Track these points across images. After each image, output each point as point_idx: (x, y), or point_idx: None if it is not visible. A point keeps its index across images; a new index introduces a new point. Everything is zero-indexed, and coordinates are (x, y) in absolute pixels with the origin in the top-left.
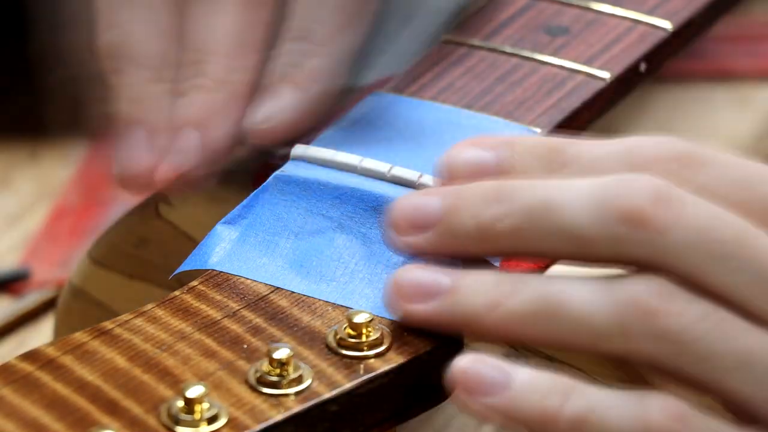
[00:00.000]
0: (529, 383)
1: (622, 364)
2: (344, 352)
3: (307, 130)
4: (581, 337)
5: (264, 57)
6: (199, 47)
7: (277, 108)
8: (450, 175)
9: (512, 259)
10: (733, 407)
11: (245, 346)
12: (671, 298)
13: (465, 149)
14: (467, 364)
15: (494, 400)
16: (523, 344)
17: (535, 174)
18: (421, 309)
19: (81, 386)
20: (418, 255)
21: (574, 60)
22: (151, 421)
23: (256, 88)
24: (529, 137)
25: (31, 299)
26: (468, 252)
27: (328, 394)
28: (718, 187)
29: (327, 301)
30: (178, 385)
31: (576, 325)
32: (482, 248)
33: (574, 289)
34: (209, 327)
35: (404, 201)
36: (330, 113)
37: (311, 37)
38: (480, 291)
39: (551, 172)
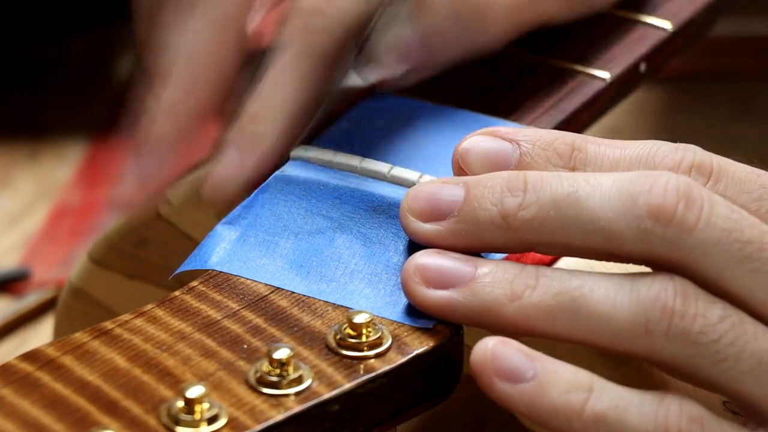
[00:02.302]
0: (554, 375)
1: (623, 365)
2: (344, 352)
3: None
4: (601, 335)
5: (227, 85)
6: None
7: (219, 171)
8: (466, 166)
9: (520, 254)
10: (746, 408)
11: (245, 346)
12: (692, 300)
13: (483, 140)
14: (494, 346)
15: (519, 387)
16: (541, 338)
17: (555, 170)
18: (438, 295)
19: (81, 386)
20: (437, 244)
21: (574, 60)
22: (151, 421)
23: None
24: (550, 132)
25: (31, 299)
26: (488, 241)
27: (328, 394)
28: (732, 197)
29: (327, 301)
30: (178, 385)
31: (597, 322)
32: (504, 238)
33: (596, 285)
34: (209, 327)
35: (423, 187)
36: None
37: (266, 100)
38: (501, 281)
39: (571, 169)
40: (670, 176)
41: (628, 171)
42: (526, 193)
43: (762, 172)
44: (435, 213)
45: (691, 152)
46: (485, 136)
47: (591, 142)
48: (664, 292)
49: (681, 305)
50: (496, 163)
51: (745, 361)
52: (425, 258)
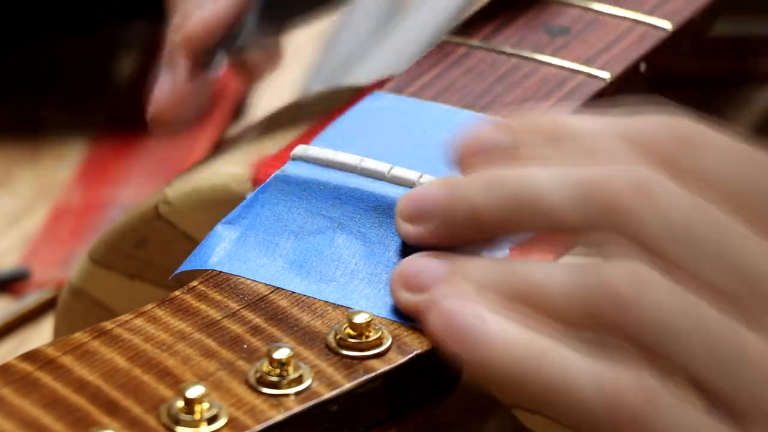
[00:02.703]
0: (504, 338)
1: None
2: (344, 352)
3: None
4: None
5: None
6: None
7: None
8: (457, 156)
9: (521, 249)
10: (704, 395)
11: (245, 346)
12: (643, 280)
13: (474, 131)
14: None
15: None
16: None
17: (539, 151)
18: (407, 299)
19: (81, 386)
20: (421, 244)
21: (574, 60)
22: (151, 421)
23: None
24: (535, 115)
25: (31, 299)
26: (466, 240)
27: (328, 394)
28: (715, 175)
29: (327, 301)
30: (178, 385)
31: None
32: (476, 236)
33: (541, 269)
34: (209, 327)
35: (414, 190)
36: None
37: None
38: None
39: (555, 149)
40: (627, 171)
41: (608, 147)
42: (490, 191)
43: (755, 152)
44: (419, 215)
45: (675, 124)
46: (476, 130)
47: (572, 121)
48: (614, 272)
49: (630, 285)
50: (485, 151)
51: (697, 345)
52: (405, 262)
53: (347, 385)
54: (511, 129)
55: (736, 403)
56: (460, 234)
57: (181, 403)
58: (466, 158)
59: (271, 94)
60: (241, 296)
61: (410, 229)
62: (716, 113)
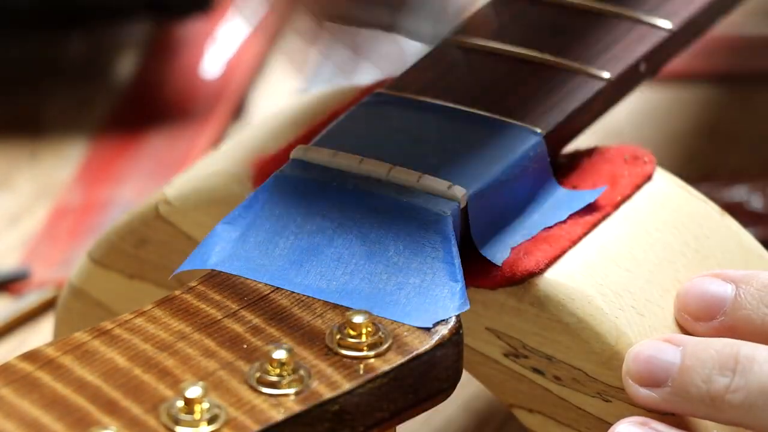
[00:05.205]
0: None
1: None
2: (344, 352)
3: None
4: None
5: None
6: None
7: None
8: (683, 306)
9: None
10: None
11: (245, 346)
12: None
13: (703, 282)
14: (646, 351)
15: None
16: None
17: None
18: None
19: (81, 386)
20: (653, 409)
21: (574, 60)
22: (151, 421)
23: None
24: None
25: (31, 299)
26: (697, 414)
27: (328, 394)
28: None
29: (327, 301)
30: (177, 385)
31: None
32: (710, 414)
33: None
34: (209, 327)
35: (644, 348)
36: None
37: None
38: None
39: None
40: None
41: None
42: (735, 374)
43: None
44: (651, 379)
45: None
46: (707, 277)
47: None
48: None
49: None
50: (711, 306)
51: None
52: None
53: (347, 385)
54: (741, 282)
55: None
56: (692, 408)
57: (180, 403)
58: (690, 306)
59: (271, 94)
60: (241, 296)
61: (641, 393)
62: (717, 113)
